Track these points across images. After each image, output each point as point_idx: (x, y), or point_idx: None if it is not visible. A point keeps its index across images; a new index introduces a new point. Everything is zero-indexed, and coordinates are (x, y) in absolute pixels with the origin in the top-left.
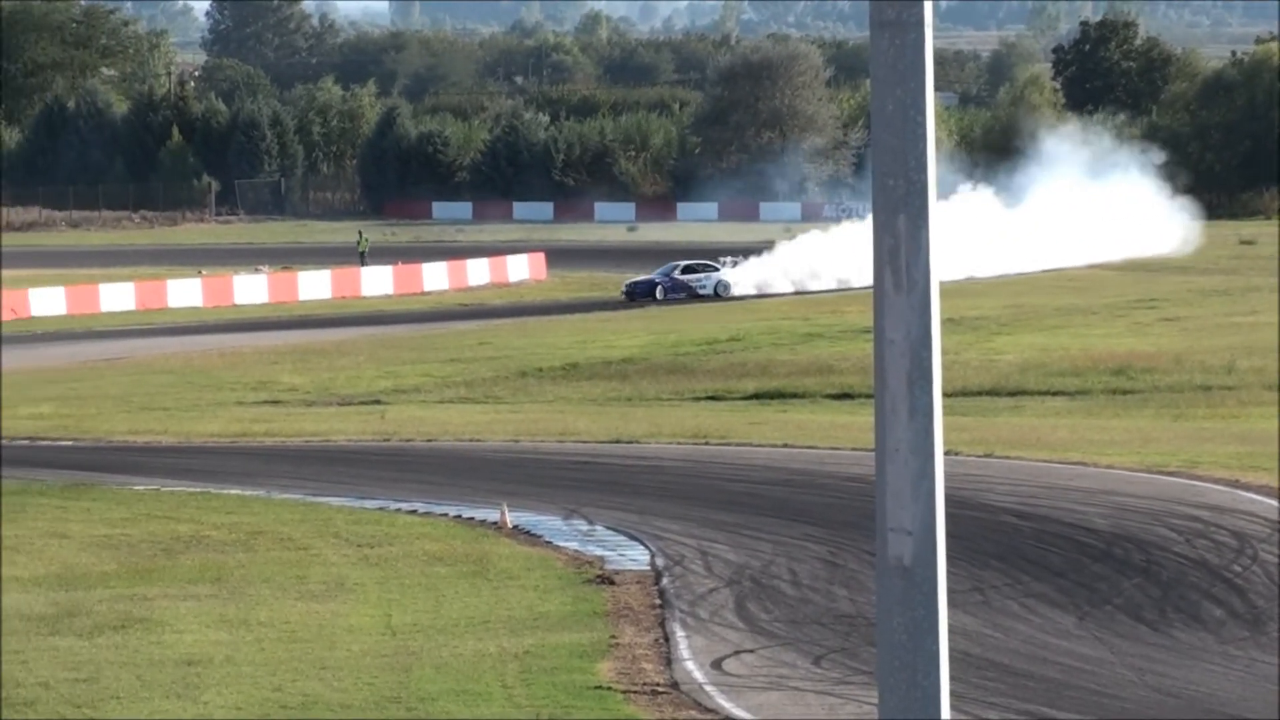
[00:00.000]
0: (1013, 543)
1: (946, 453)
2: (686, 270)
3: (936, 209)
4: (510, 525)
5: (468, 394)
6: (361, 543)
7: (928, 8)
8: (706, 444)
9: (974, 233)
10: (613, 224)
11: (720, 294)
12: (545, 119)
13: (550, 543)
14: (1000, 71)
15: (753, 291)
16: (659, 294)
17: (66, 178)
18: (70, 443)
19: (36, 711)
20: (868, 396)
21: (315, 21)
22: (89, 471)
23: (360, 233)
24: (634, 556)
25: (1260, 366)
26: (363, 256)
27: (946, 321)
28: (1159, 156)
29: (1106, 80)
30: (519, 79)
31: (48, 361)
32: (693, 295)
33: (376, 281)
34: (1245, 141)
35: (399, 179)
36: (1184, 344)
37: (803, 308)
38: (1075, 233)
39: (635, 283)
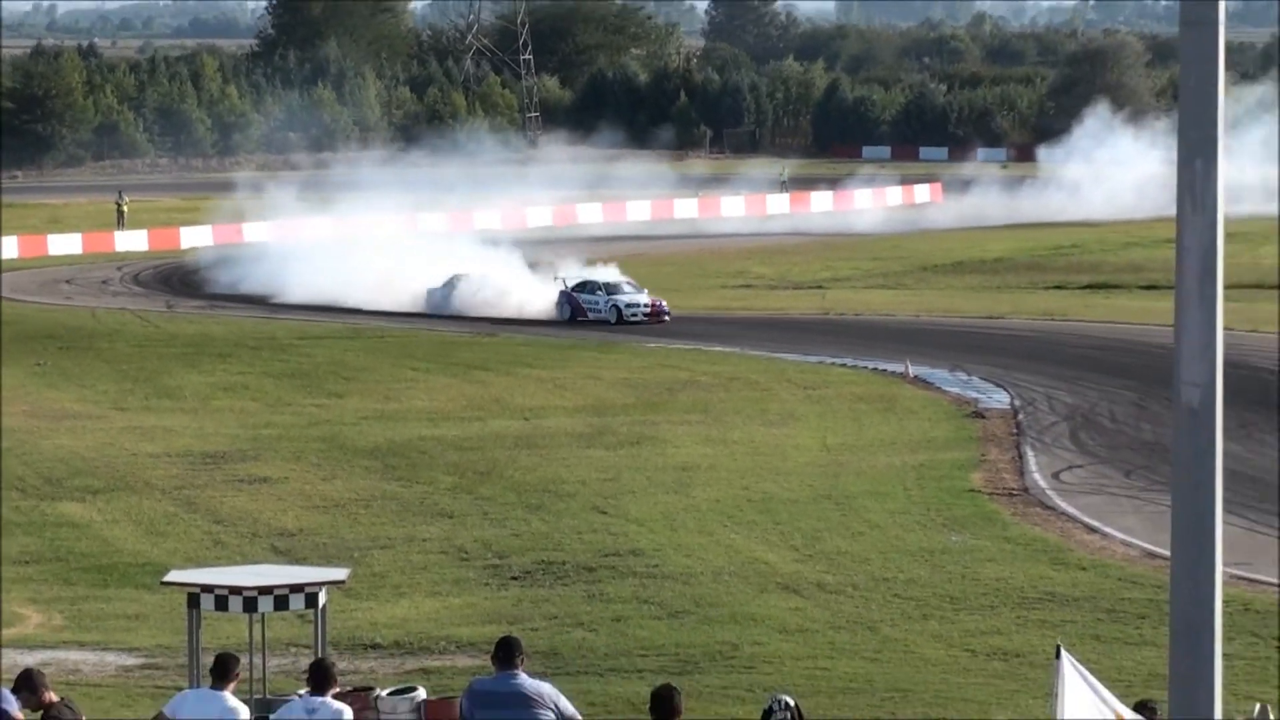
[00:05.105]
0: (1268, 393)
1: (1225, 329)
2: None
3: (1223, 156)
4: (912, 376)
5: (884, 282)
6: (806, 386)
7: (1221, 7)
8: (1052, 320)
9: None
10: None
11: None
12: None
13: (939, 388)
14: (1271, 56)
15: None
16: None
17: (606, 128)
18: None
19: (576, 501)
20: (1169, 288)
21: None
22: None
23: (784, 171)
24: (998, 399)
25: None
26: (784, 186)
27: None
28: None
29: None
30: None
31: None
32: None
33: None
34: None
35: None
36: None
37: (1124, 226)
38: None
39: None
